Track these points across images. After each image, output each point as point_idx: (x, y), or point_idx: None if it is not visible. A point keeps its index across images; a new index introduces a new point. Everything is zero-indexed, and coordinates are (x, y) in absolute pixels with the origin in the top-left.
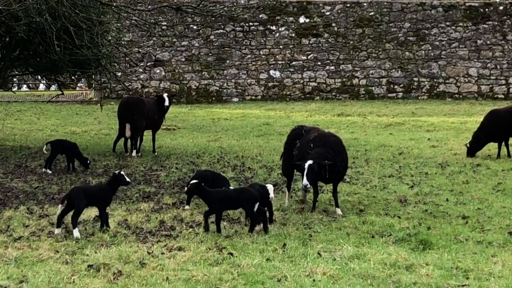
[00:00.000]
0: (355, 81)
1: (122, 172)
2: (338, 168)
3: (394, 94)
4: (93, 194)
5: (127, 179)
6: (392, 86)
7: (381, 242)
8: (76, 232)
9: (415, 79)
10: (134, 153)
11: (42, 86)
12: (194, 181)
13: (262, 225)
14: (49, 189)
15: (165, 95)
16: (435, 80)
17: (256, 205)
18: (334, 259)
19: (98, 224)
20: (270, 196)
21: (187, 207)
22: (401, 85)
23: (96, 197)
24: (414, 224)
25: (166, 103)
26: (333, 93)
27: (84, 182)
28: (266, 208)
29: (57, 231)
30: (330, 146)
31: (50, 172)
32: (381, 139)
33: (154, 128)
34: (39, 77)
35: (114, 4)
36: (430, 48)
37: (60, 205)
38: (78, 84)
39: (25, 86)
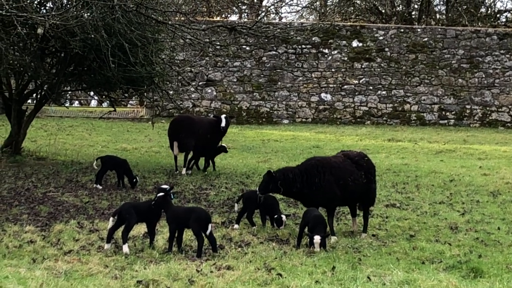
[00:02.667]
0: (407, 106)
1: (165, 186)
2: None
3: (446, 121)
4: (144, 210)
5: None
6: (444, 112)
7: (432, 268)
8: (125, 248)
9: (468, 106)
10: (183, 171)
11: (93, 103)
12: (160, 193)
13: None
14: (99, 204)
15: (223, 116)
16: (487, 108)
17: (209, 226)
18: (384, 283)
19: (147, 240)
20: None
21: (236, 226)
22: (453, 112)
23: (147, 213)
24: (465, 251)
25: (223, 123)
26: (384, 118)
27: (134, 198)
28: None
29: (107, 246)
30: (308, 165)
31: (100, 187)
32: (432, 166)
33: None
34: (91, 93)
35: (170, 22)
36: (483, 76)
37: (111, 219)
38: (130, 102)
39: (76, 102)
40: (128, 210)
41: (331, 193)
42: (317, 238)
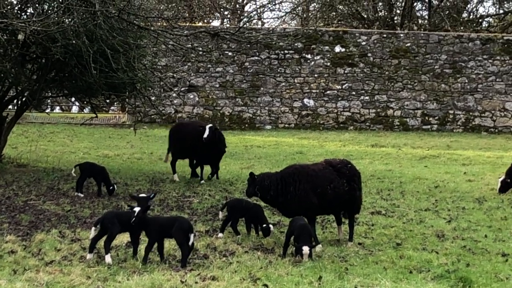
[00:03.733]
0: (390, 112)
1: (144, 195)
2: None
3: (429, 126)
4: (127, 220)
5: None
6: (427, 118)
7: (420, 278)
8: (108, 258)
9: (451, 111)
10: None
11: (75, 108)
12: (137, 208)
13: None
14: (82, 212)
15: (207, 126)
16: (470, 113)
17: (191, 236)
18: None
19: (130, 250)
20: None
21: (220, 235)
22: (436, 117)
23: (130, 223)
24: (453, 260)
25: (205, 135)
26: (367, 124)
27: (116, 206)
28: None
29: (89, 256)
30: (285, 173)
31: (82, 195)
32: (416, 172)
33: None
34: (73, 99)
35: (152, 28)
36: (466, 81)
37: (93, 228)
38: (111, 108)
39: (58, 107)
40: (111, 219)
41: (306, 202)
42: (306, 249)
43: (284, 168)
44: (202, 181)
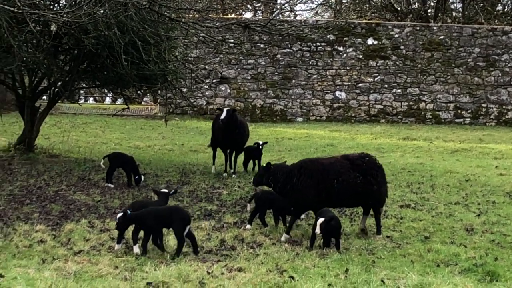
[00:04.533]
0: (422, 105)
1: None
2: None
3: (461, 120)
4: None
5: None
6: (459, 111)
7: (447, 271)
8: (136, 248)
9: (484, 105)
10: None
11: (108, 100)
12: (119, 214)
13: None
14: (111, 203)
15: (225, 108)
16: (503, 107)
17: (187, 227)
18: (398, 287)
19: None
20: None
21: (248, 226)
22: (469, 111)
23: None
24: (481, 254)
25: (221, 116)
26: (399, 117)
27: (146, 197)
28: None
29: (117, 247)
30: (294, 166)
31: (112, 186)
32: (447, 165)
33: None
34: (106, 90)
35: (183, 20)
36: (499, 74)
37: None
38: (144, 99)
39: (91, 99)
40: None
41: (304, 196)
42: (320, 220)
43: (297, 162)
44: (225, 174)
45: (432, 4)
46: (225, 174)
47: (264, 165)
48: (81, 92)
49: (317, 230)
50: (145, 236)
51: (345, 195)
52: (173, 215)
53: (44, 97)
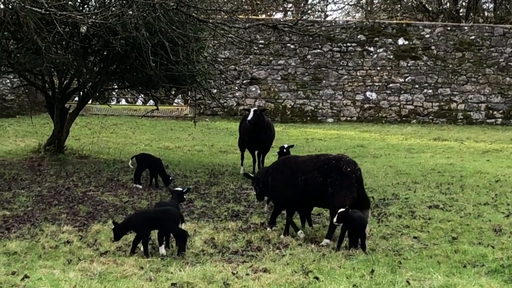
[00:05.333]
0: (453, 105)
1: (179, 189)
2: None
3: (493, 120)
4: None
5: (184, 196)
6: (491, 111)
7: (473, 272)
8: (162, 249)
9: None
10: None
11: (140, 101)
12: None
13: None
14: (139, 203)
15: (252, 109)
16: None
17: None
18: None
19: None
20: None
21: (274, 227)
22: (501, 111)
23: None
24: (508, 255)
25: (249, 117)
26: (430, 117)
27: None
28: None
29: (161, 249)
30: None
31: (140, 187)
32: (477, 166)
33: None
34: (136, 91)
35: (211, 21)
36: None
37: None
38: (175, 100)
39: (123, 100)
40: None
41: (279, 193)
42: (340, 210)
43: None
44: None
45: (463, 4)
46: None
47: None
48: (113, 93)
49: (334, 220)
50: (137, 238)
51: (307, 195)
52: (163, 217)
53: (76, 98)
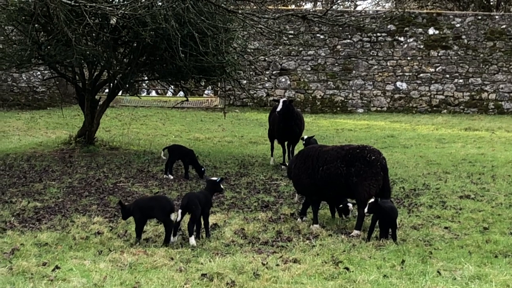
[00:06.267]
0: (484, 95)
1: (215, 179)
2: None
3: None
4: (203, 201)
5: (222, 187)
6: None
7: (505, 262)
8: (192, 240)
9: None
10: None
11: (170, 93)
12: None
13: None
14: (169, 194)
15: (281, 99)
16: None
17: (172, 215)
18: (454, 278)
19: (215, 232)
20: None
21: (305, 218)
22: None
23: (205, 203)
24: None
25: (278, 108)
26: (461, 107)
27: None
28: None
29: (172, 239)
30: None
31: (171, 177)
32: (509, 156)
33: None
34: (166, 83)
35: (240, 11)
36: None
37: (180, 211)
38: (205, 91)
39: (154, 91)
40: (194, 201)
41: (298, 182)
42: (371, 200)
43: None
44: (283, 166)
45: None
46: (283, 166)
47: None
48: (143, 84)
49: (365, 210)
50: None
51: (329, 184)
52: (154, 205)
53: (107, 90)
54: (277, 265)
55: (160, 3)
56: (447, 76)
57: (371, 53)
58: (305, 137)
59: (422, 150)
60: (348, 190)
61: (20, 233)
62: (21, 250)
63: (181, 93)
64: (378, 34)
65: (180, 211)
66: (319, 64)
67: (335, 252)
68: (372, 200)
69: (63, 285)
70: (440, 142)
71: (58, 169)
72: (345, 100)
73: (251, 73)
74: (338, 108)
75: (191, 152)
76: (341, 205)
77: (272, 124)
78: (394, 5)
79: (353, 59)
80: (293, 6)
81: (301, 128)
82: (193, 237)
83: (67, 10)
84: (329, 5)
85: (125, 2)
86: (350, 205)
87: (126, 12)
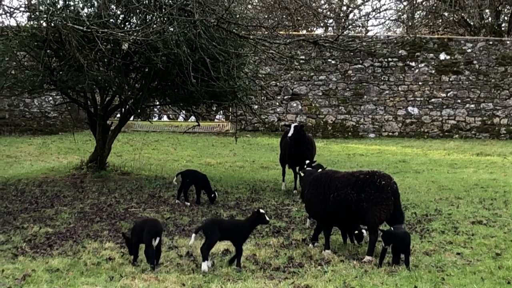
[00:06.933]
0: (496, 120)
1: (262, 211)
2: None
3: None
4: (229, 228)
5: (267, 218)
6: None
7: None
8: (204, 265)
9: None
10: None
11: (181, 117)
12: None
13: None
14: (180, 220)
15: (292, 125)
16: None
17: (156, 240)
18: None
19: (225, 257)
20: None
21: (316, 243)
22: None
23: (232, 231)
24: None
25: (289, 133)
26: (473, 132)
27: (216, 214)
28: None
29: (204, 266)
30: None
31: (188, 203)
32: None
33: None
34: (177, 108)
35: (251, 37)
36: None
37: (193, 235)
38: (216, 116)
39: (165, 116)
40: (211, 227)
41: (311, 207)
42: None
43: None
44: (295, 191)
45: (505, 18)
46: (295, 191)
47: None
48: (155, 109)
49: (383, 244)
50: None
51: (341, 210)
52: (144, 228)
53: (118, 115)
54: None
55: (171, 29)
56: (459, 101)
57: (382, 78)
58: (307, 162)
59: (434, 175)
60: (359, 216)
61: (31, 259)
62: (33, 276)
63: (193, 118)
64: (389, 59)
65: (193, 235)
66: (331, 89)
67: (347, 278)
68: (387, 230)
69: None
70: (452, 167)
71: (69, 194)
72: (357, 125)
73: (262, 98)
74: (350, 133)
75: (205, 177)
76: (356, 231)
77: (284, 149)
78: (405, 31)
79: (364, 84)
80: (304, 32)
81: (313, 153)
82: (205, 262)
83: (79, 36)
84: (340, 30)
85: (137, 28)
86: (364, 231)
87: (138, 38)
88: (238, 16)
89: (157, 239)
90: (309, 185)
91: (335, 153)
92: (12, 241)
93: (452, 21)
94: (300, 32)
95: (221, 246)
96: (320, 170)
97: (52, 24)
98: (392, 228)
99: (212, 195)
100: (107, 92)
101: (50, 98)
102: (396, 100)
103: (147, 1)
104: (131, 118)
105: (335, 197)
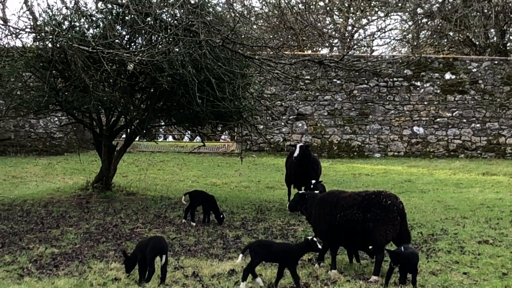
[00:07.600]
0: (502, 139)
1: (314, 239)
2: None
3: None
4: (278, 251)
5: (319, 246)
6: None
7: None
8: (243, 286)
9: None
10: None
11: (186, 138)
12: None
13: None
14: (186, 240)
15: (298, 145)
16: None
17: (163, 259)
18: None
19: (232, 277)
20: None
21: (322, 263)
22: None
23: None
24: None
25: (295, 153)
26: (479, 151)
27: (222, 234)
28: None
29: (242, 285)
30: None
31: (194, 224)
32: None
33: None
34: (182, 128)
35: (257, 57)
36: None
37: (241, 256)
38: (222, 136)
39: (170, 137)
40: (255, 248)
41: (318, 227)
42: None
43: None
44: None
45: (510, 38)
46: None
47: (300, 192)
48: (160, 130)
49: (392, 264)
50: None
51: (347, 230)
52: (148, 245)
53: (124, 136)
54: None
55: (177, 49)
56: (464, 120)
57: (387, 98)
58: (313, 181)
59: (440, 195)
60: (365, 236)
61: (37, 280)
62: None
63: (198, 138)
64: (395, 79)
65: (241, 255)
66: (336, 109)
67: None
68: (394, 250)
69: None
70: (458, 187)
71: (75, 215)
72: (362, 144)
73: (267, 118)
74: (355, 153)
75: (212, 198)
76: (370, 247)
77: (289, 169)
78: (411, 50)
79: (369, 103)
80: (309, 52)
81: (318, 173)
82: (244, 283)
83: (85, 56)
84: (345, 50)
85: (142, 48)
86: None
87: (143, 58)
88: (243, 36)
89: (163, 257)
90: (316, 205)
91: (341, 173)
92: (18, 262)
93: (457, 40)
94: (306, 52)
95: (226, 266)
96: (316, 191)
97: (58, 45)
98: (402, 248)
99: (221, 216)
100: (112, 113)
101: (56, 118)
102: (401, 119)
103: (152, 22)
104: (137, 139)
105: (342, 217)
